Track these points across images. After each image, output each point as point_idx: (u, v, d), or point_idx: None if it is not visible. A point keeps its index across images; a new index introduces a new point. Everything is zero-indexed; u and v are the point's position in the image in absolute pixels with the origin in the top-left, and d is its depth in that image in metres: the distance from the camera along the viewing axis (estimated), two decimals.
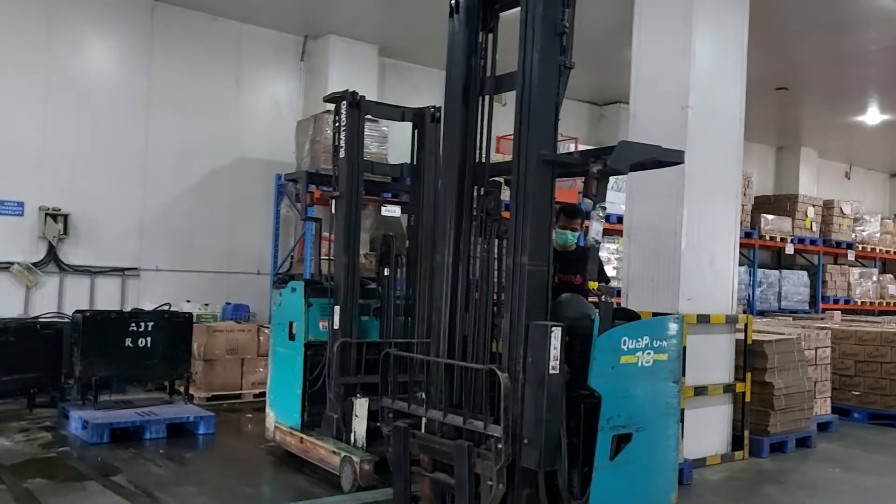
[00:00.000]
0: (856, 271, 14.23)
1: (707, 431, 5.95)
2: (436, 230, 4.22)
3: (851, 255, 14.06)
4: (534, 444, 3.42)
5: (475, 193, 4.02)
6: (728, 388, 6.09)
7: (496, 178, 4.15)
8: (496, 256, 3.82)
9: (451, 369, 3.84)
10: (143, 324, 6.61)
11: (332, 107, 5.84)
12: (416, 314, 5.50)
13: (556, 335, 3.45)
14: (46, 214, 8.01)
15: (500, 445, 3.41)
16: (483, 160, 4.07)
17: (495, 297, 3.82)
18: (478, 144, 4.07)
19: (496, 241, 3.81)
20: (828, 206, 13.53)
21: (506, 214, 3.83)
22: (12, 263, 7.89)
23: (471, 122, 4.08)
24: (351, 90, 5.58)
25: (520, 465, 3.47)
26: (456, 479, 3.57)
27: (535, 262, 3.64)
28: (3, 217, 7.89)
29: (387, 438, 4.00)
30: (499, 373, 3.46)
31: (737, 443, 6.19)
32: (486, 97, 4.11)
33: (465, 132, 4.07)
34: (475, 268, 3.89)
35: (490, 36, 4.17)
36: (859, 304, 14.04)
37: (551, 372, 3.43)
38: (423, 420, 3.93)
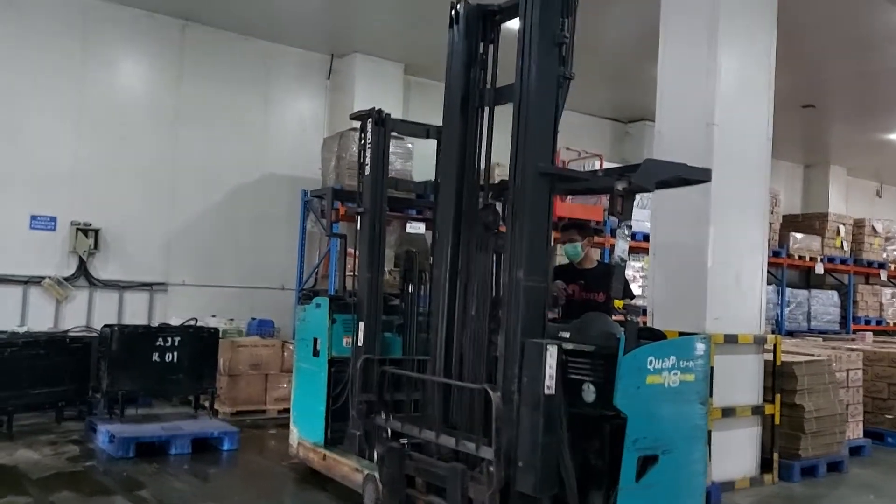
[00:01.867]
0: (888, 291, 13.96)
1: (735, 454, 5.84)
2: (434, 245, 4.13)
3: (884, 275, 13.80)
4: (529, 468, 3.28)
5: (474, 207, 3.92)
6: (757, 410, 5.98)
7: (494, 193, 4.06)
8: (493, 272, 3.71)
9: (447, 388, 3.73)
10: (169, 339, 6.67)
11: (357, 124, 5.88)
12: None
13: (552, 353, 3.33)
14: (78, 229, 8.15)
15: (492, 469, 3.27)
16: (482, 173, 3.98)
17: (494, 314, 3.71)
18: (477, 157, 3.99)
19: (494, 255, 3.71)
20: (858, 224, 13.31)
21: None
22: (44, 277, 8.02)
23: (470, 134, 4.00)
24: (376, 108, 5.62)
25: (515, 489, 3.33)
26: (448, 503, 3.45)
27: (531, 277, 3.54)
28: (36, 231, 8.05)
29: (380, 459, 3.86)
30: (491, 392, 3.34)
31: (766, 466, 6.06)
32: (486, 109, 4.03)
33: (464, 144, 3.99)
34: (473, 283, 3.79)
35: (490, 47, 4.11)
36: (892, 325, 13.76)
37: (546, 392, 3.30)
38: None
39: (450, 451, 3.54)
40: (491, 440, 3.30)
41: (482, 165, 3.97)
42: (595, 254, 5.68)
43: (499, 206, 3.89)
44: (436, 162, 5.91)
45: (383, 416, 3.89)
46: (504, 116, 3.80)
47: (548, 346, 3.33)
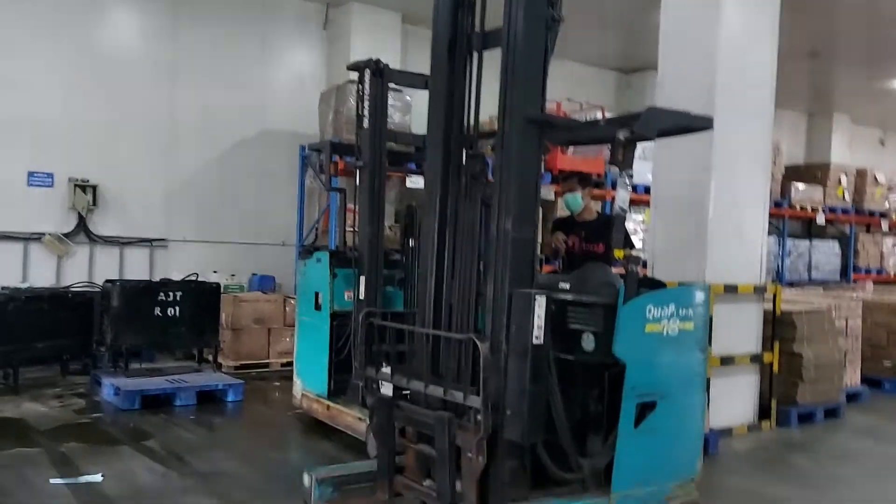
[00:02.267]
0: (889, 241, 13.95)
1: (733, 402, 5.92)
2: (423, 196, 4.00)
3: (885, 225, 13.77)
4: (517, 416, 3.30)
5: (462, 156, 3.78)
6: (755, 359, 6.04)
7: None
8: (482, 222, 3.63)
9: (436, 339, 3.70)
10: (171, 294, 6.71)
11: (355, 76, 5.80)
12: None
13: (541, 304, 3.31)
14: (76, 185, 8.12)
15: (479, 417, 3.28)
16: (471, 121, 3.81)
17: (481, 265, 3.64)
18: (465, 104, 3.82)
19: (482, 205, 3.62)
20: (861, 174, 13.22)
21: None
22: (44, 234, 8.03)
23: (457, 81, 3.82)
24: (374, 58, 5.53)
25: (503, 437, 3.35)
26: (437, 451, 3.45)
27: (519, 228, 3.47)
28: (34, 188, 8.02)
29: (371, 409, 3.85)
30: (478, 342, 3.32)
31: (764, 413, 6.15)
32: (474, 54, 3.84)
33: (452, 91, 3.83)
34: (462, 234, 3.70)
35: None
36: (892, 274, 13.79)
37: (535, 342, 3.30)
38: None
39: (439, 400, 3.54)
40: (478, 389, 3.31)
41: (471, 113, 3.81)
42: (595, 206, 5.65)
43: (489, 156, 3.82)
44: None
45: (372, 368, 3.86)
46: (495, 62, 3.67)
47: (536, 296, 3.31)
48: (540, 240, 9.69)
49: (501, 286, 3.43)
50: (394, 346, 3.91)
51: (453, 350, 3.59)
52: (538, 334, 3.30)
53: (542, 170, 3.68)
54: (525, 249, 3.49)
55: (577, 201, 5.20)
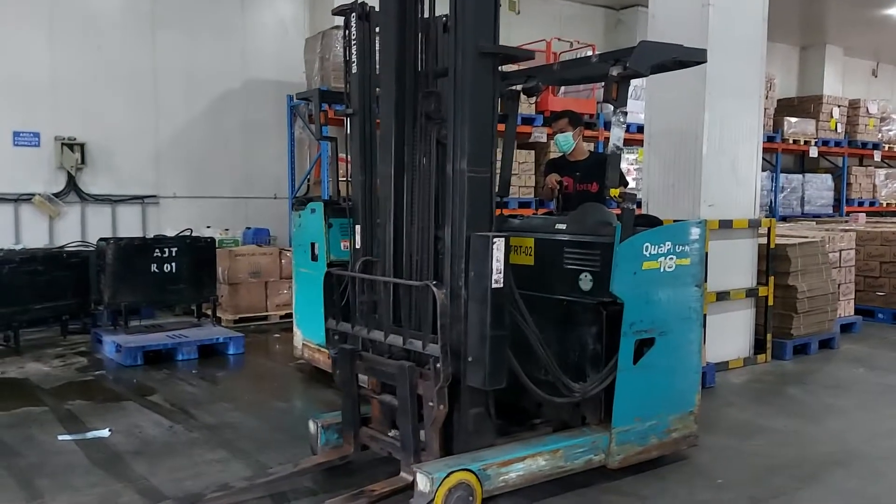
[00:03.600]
0: (882, 172, 13.96)
1: (729, 336, 6.00)
2: (378, 138, 3.85)
3: (878, 156, 13.75)
4: (478, 363, 3.24)
5: (416, 94, 3.60)
6: (750, 293, 6.10)
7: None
8: (438, 163, 3.50)
9: (396, 287, 3.60)
10: (166, 250, 6.68)
11: (340, 21, 5.66)
12: None
13: (499, 246, 3.23)
14: (63, 144, 8.01)
15: (438, 365, 3.22)
16: (424, 56, 3.61)
17: (439, 208, 3.51)
18: (418, 39, 3.59)
19: (437, 146, 3.49)
20: (853, 105, 13.15)
21: None
22: (34, 194, 7.95)
23: (409, 13, 3.61)
24: (360, 1, 5.39)
25: (465, 384, 3.32)
26: (399, 401, 3.41)
27: (475, 167, 3.32)
28: (20, 148, 7.92)
29: (333, 361, 3.79)
30: (434, 289, 3.24)
31: (759, 346, 6.24)
32: None
33: (404, 25, 3.61)
34: (418, 177, 3.56)
35: None
36: (885, 205, 13.84)
37: (494, 286, 3.21)
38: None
39: (402, 350, 3.48)
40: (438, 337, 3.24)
41: (424, 48, 3.60)
42: (586, 145, 5.61)
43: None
44: None
45: (333, 319, 3.79)
46: None
47: (494, 239, 3.22)
48: (534, 183, 9.62)
49: (459, 229, 3.33)
50: (362, 297, 3.75)
51: (413, 298, 3.50)
52: (497, 278, 3.22)
53: (498, 104, 3.52)
54: (482, 189, 3.37)
55: (568, 141, 5.15)
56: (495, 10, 3.39)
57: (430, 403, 3.29)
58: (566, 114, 5.26)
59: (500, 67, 3.54)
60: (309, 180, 9.18)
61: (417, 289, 3.44)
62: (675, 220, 4.38)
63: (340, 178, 6.01)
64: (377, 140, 3.89)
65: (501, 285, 3.24)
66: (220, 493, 3.35)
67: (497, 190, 4.62)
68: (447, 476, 3.11)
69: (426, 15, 3.59)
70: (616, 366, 3.57)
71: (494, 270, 3.22)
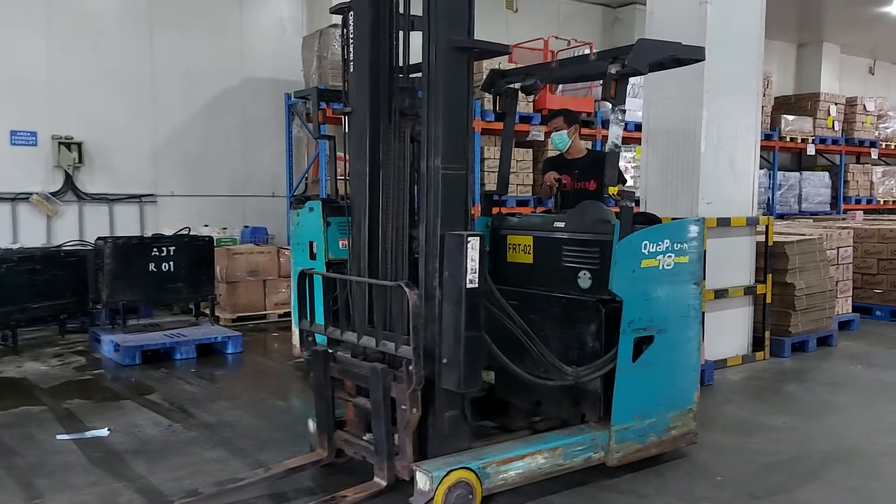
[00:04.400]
0: (879, 170, 13.96)
1: (728, 333, 6.01)
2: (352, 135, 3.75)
3: (875, 154, 13.75)
4: (453, 365, 3.16)
5: (391, 91, 3.53)
6: (749, 290, 6.10)
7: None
8: (412, 161, 3.43)
9: (370, 288, 3.52)
10: (164, 249, 6.68)
11: (338, 19, 5.66)
12: None
13: (474, 245, 3.15)
14: (60, 143, 8.00)
15: (411, 367, 3.14)
16: (399, 52, 3.55)
17: (413, 207, 3.46)
18: (392, 33, 3.54)
19: (412, 143, 3.43)
20: (850, 103, 13.16)
21: None
22: (31, 194, 7.94)
23: (383, 8, 3.54)
24: None
25: (440, 387, 3.24)
26: (372, 404, 3.33)
27: (450, 164, 3.25)
28: (17, 147, 7.91)
29: (307, 363, 3.71)
30: (406, 289, 3.15)
31: (758, 344, 6.25)
32: None
33: (377, 20, 3.53)
34: (392, 175, 3.49)
35: None
36: (882, 203, 13.85)
37: (469, 286, 3.13)
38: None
39: (377, 352, 3.41)
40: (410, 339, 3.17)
41: (400, 43, 3.54)
42: (584, 143, 5.60)
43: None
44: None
45: (307, 321, 3.71)
46: None
47: (469, 238, 3.14)
48: (532, 182, 9.61)
49: (433, 228, 3.27)
50: (335, 298, 3.70)
51: (387, 299, 3.44)
52: (472, 278, 3.15)
53: (473, 99, 3.44)
54: (456, 187, 3.31)
55: (563, 139, 5.14)
56: (469, 4, 3.32)
57: (403, 407, 3.21)
58: (561, 112, 5.26)
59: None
60: (307, 179, 9.17)
61: (391, 289, 3.37)
62: (673, 218, 4.38)
63: (338, 177, 6.00)
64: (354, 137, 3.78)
65: (476, 285, 3.17)
66: (189, 499, 3.25)
67: (496, 188, 4.68)
68: (447, 474, 3.11)
69: (402, 10, 3.53)
70: (614, 357, 3.57)
71: (469, 270, 3.15)
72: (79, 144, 8.11)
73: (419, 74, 3.43)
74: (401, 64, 3.52)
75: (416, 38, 3.42)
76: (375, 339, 3.40)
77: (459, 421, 3.35)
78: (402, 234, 3.44)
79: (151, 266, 6.60)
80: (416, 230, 3.38)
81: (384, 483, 3.26)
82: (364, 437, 3.55)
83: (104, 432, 4.36)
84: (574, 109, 6.31)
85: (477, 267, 3.17)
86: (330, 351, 3.69)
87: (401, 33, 3.52)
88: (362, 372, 3.41)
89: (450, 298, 3.20)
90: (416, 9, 3.47)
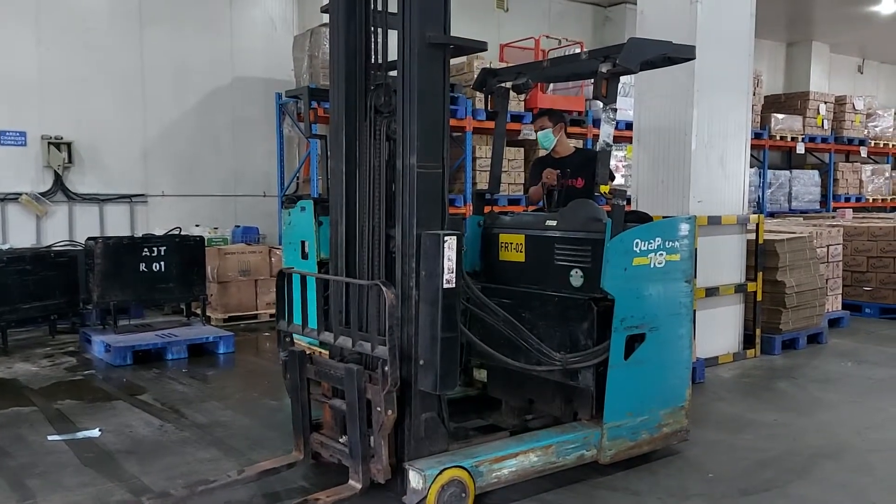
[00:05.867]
0: (868, 168, 14.07)
1: (719, 331, 6.04)
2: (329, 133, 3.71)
3: (864, 152, 13.86)
4: (429, 366, 3.12)
5: (368, 89, 3.47)
6: (739, 289, 6.13)
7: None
8: (388, 159, 3.40)
9: (347, 287, 3.48)
10: (155, 249, 6.65)
11: (328, 19, 5.65)
12: None
13: (451, 245, 3.11)
14: (49, 143, 7.96)
15: (387, 368, 3.08)
16: (376, 49, 3.50)
17: (390, 206, 3.42)
18: (367, 30, 3.50)
19: (388, 141, 3.39)
20: (840, 102, 13.25)
21: None
22: (20, 194, 7.89)
23: (359, 4, 3.50)
24: None
25: (416, 388, 3.20)
26: (347, 406, 3.27)
27: (425, 163, 3.21)
28: (6, 147, 7.87)
29: (283, 364, 3.66)
30: (383, 288, 3.09)
31: (748, 341, 6.28)
32: None
33: (353, 16, 3.49)
34: (368, 174, 3.45)
35: None
36: (871, 201, 13.95)
37: (446, 286, 3.10)
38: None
39: (355, 353, 3.37)
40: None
41: (376, 40, 3.49)
42: (572, 142, 5.61)
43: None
44: None
45: (284, 321, 3.66)
46: None
47: (445, 238, 3.11)
48: (523, 182, 9.62)
49: (409, 227, 3.23)
50: (311, 297, 3.59)
51: (363, 299, 3.39)
52: (449, 277, 3.11)
53: (448, 95, 3.40)
54: (433, 185, 3.26)
55: (548, 138, 5.14)
56: (445, 0, 3.28)
57: (379, 409, 3.17)
58: (546, 112, 5.27)
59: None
60: (298, 178, 9.16)
61: (368, 288, 3.33)
62: (664, 216, 4.39)
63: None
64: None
65: (454, 285, 3.13)
66: (158, 500, 3.22)
67: (488, 187, 4.69)
68: (440, 473, 3.11)
69: (380, 7, 3.49)
70: (606, 349, 3.58)
71: (446, 270, 3.10)
72: (68, 144, 8.07)
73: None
74: (379, 61, 3.48)
75: (395, 35, 3.39)
76: (352, 340, 3.35)
77: (436, 423, 3.31)
78: (379, 233, 3.40)
79: (142, 266, 6.57)
80: (394, 229, 3.35)
81: (359, 486, 3.21)
82: (340, 440, 3.49)
83: (96, 433, 4.34)
84: (565, 108, 6.33)
85: (454, 266, 3.13)
86: (307, 352, 3.66)
87: (378, 30, 3.48)
88: (338, 373, 3.36)
89: (426, 299, 3.16)
90: (396, 6, 3.42)
